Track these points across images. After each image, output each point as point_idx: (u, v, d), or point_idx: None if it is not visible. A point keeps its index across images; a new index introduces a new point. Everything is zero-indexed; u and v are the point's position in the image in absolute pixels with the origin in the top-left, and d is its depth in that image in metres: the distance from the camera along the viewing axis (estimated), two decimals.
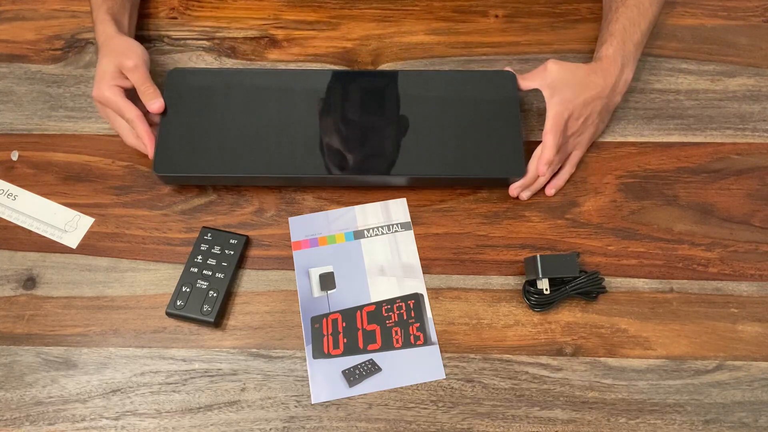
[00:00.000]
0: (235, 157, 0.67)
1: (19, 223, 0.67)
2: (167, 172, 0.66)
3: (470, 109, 0.69)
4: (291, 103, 0.69)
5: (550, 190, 0.67)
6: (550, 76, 0.66)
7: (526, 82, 0.68)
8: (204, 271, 0.64)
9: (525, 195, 0.67)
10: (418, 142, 0.67)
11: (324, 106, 0.69)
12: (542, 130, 0.65)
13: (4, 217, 0.67)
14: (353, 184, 0.69)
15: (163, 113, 0.68)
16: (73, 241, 0.66)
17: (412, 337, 0.62)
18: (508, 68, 0.71)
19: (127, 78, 0.67)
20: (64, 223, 0.67)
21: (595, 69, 0.67)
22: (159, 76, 0.75)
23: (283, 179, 0.68)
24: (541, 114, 0.72)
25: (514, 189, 0.67)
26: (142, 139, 0.66)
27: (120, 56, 0.67)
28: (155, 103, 0.67)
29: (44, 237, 0.67)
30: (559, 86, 0.65)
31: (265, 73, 0.72)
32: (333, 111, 0.69)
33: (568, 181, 0.68)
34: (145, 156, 0.70)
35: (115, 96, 0.66)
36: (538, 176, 0.66)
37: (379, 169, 0.67)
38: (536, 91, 0.74)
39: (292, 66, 0.75)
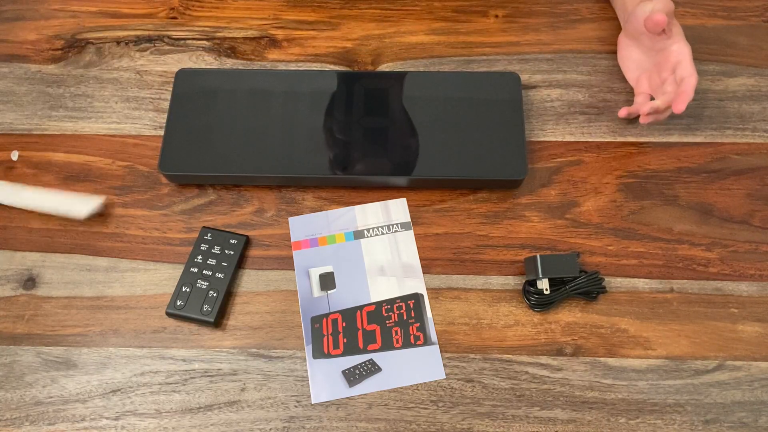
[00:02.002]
0: (238, 156, 0.67)
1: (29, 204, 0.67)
2: (172, 170, 0.67)
3: (473, 110, 0.69)
4: (295, 104, 0.70)
5: (682, 106, 0.64)
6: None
7: (661, 27, 0.65)
8: (204, 271, 0.64)
9: (648, 118, 0.67)
10: (421, 143, 0.67)
11: (327, 107, 0.70)
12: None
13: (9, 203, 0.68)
14: (353, 184, 0.69)
15: (170, 111, 0.69)
16: (84, 210, 0.66)
17: (412, 337, 0.62)
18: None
19: None
20: (75, 197, 0.66)
21: None
22: (159, 75, 0.75)
23: (285, 178, 0.68)
24: (543, 114, 0.72)
25: (646, 113, 0.66)
26: None
27: None
28: None
29: (44, 237, 0.67)
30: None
31: (269, 74, 0.73)
32: (336, 112, 0.69)
33: (566, 180, 0.69)
34: (146, 156, 0.70)
35: None
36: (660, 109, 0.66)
37: (381, 170, 0.67)
38: (538, 91, 0.74)
39: (292, 66, 0.75)
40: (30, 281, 0.65)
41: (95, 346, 0.62)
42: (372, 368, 0.61)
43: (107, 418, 0.59)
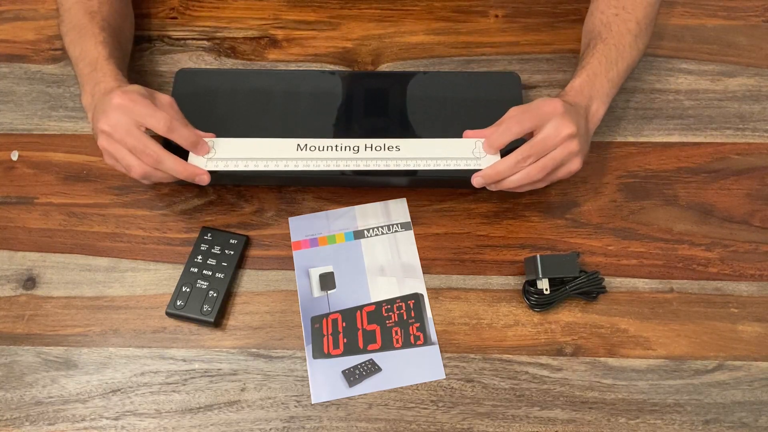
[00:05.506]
0: None
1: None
2: None
3: (473, 110, 0.69)
4: (295, 104, 0.70)
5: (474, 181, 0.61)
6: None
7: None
8: (204, 271, 0.64)
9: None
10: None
11: (328, 107, 0.69)
12: None
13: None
14: (353, 184, 0.69)
15: None
16: None
17: (412, 337, 0.62)
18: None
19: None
20: None
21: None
22: (159, 75, 0.75)
23: (285, 178, 0.68)
24: None
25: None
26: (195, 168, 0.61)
27: (148, 92, 0.61)
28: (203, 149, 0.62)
29: (44, 237, 0.67)
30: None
31: (270, 74, 0.73)
32: (337, 111, 0.69)
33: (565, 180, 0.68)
34: None
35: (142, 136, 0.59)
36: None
37: (381, 170, 0.67)
38: (538, 91, 0.74)
39: (292, 66, 0.75)
40: (30, 281, 0.65)
41: (95, 346, 0.62)
42: (372, 368, 0.61)
43: (107, 418, 0.59)
